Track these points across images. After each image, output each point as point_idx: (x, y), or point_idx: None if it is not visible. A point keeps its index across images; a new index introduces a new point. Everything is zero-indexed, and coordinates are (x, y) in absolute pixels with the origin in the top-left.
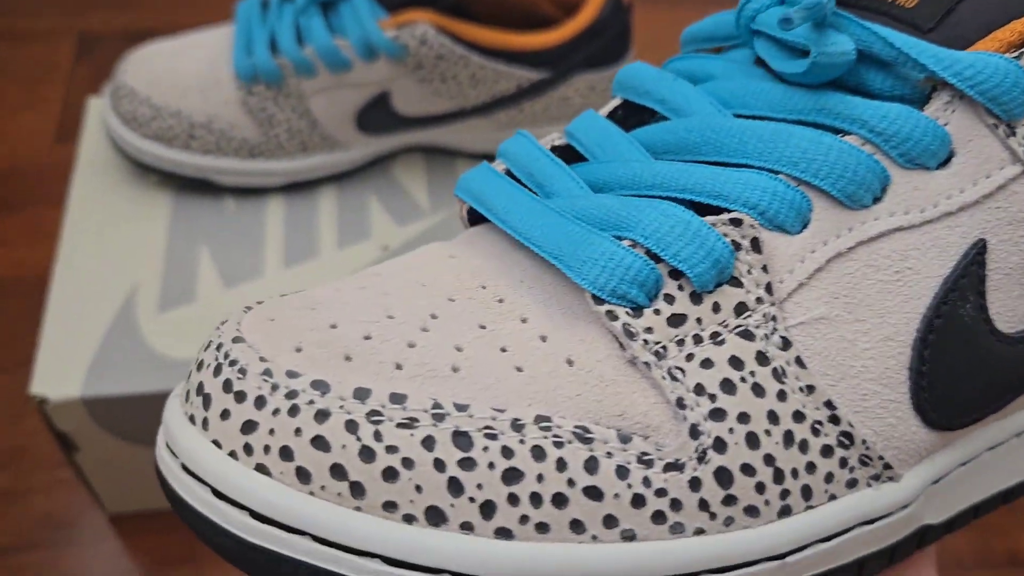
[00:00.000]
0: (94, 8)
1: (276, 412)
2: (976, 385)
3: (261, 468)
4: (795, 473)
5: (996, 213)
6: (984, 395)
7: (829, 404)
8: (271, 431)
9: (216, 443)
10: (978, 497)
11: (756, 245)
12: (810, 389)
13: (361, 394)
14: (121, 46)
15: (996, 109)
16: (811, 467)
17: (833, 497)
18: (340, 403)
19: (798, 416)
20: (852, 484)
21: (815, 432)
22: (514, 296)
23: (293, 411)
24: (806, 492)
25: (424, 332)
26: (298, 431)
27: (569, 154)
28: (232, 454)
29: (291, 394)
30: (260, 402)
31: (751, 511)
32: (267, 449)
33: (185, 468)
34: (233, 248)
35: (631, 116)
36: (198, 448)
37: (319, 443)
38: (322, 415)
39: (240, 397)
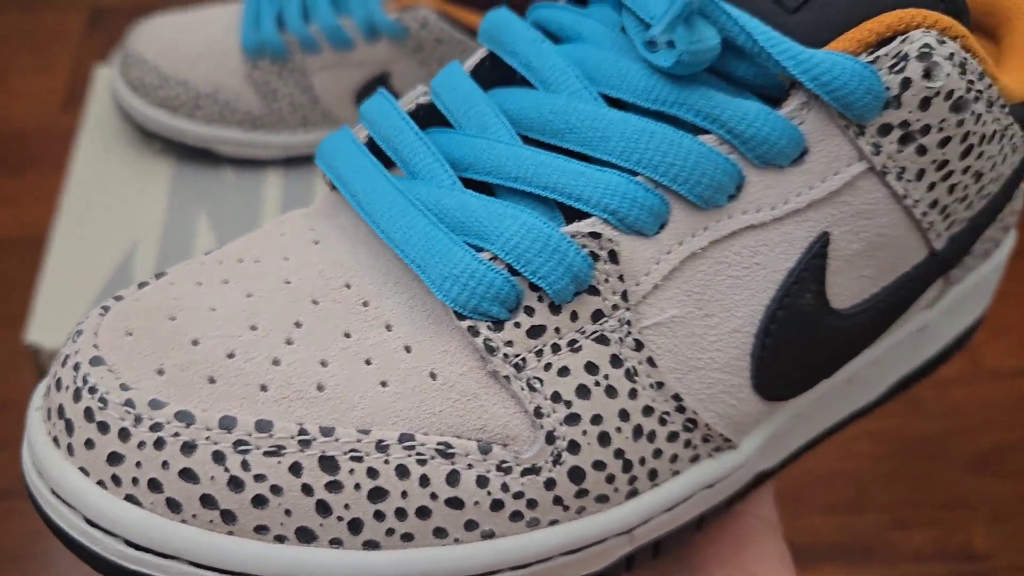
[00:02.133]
0: None
1: (142, 445)
2: (814, 361)
3: (131, 498)
4: (643, 461)
5: (841, 207)
6: (821, 367)
7: (676, 397)
8: (138, 464)
9: (83, 470)
10: (805, 439)
11: (614, 256)
12: (659, 385)
13: (227, 423)
14: (131, 18)
15: (847, 112)
16: (658, 453)
17: (677, 473)
18: (206, 434)
19: (647, 411)
20: (695, 458)
21: (662, 422)
22: (379, 299)
23: (159, 444)
24: (652, 474)
25: (288, 345)
26: (165, 464)
27: (434, 115)
28: (100, 483)
29: (155, 426)
30: (124, 434)
31: (601, 499)
32: (135, 481)
33: (54, 492)
34: (231, 215)
35: (498, 68)
36: (66, 475)
37: (187, 475)
38: (188, 447)
39: (103, 428)
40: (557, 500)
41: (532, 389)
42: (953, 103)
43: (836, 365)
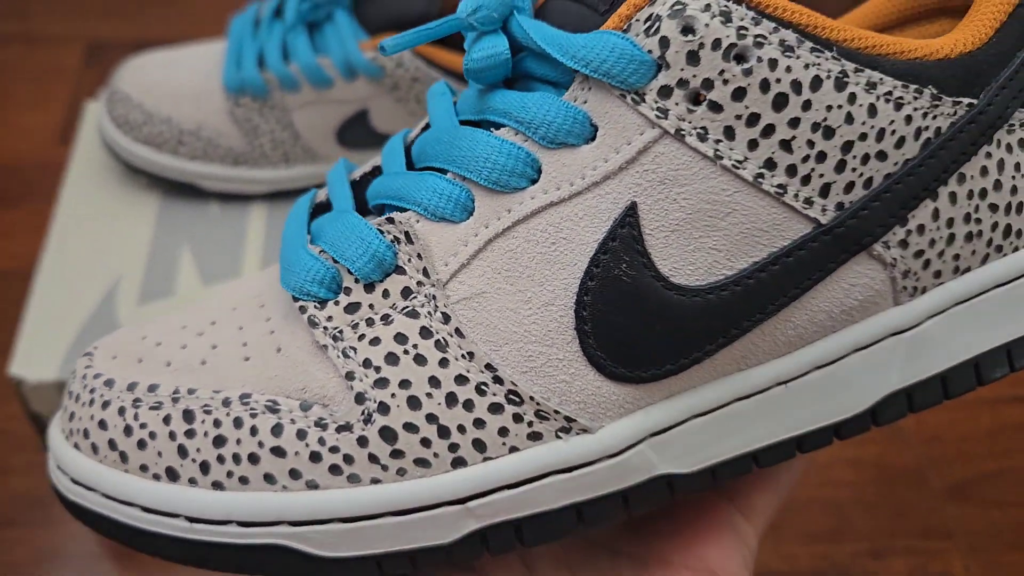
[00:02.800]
0: (105, 17)
1: (83, 404)
2: (654, 336)
3: (76, 446)
4: (462, 429)
5: (645, 176)
6: (668, 345)
7: (490, 367)
8: (79, 418)
9: (62, 431)
10: (732, 450)
11: (409, 237)
12: (471, 356)
13: (131, 386)
14: (128, 53)
15: (618, 83)
16: (480, 423)
17: (515, 449)
18: (118, 394)
19: (461, 379)
20: (536, 437)
21: (481, 392)
22: (272, 302)
23: (91, 403)
24: (479, 445)
25: (199, 336)
26: (91, 417)
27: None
28: (66, 438)
29: (92, 391)
30: (76, 398)
31: (421, 463)
32: (77, 431)
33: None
34: (214, 249)
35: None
36: (52, 435)
37: (102, 425)
38: (105, 404)
39: (71, 395)
40: (373, 458)
41: (346, 356)
42: (725, 52)
43: (695, 345)
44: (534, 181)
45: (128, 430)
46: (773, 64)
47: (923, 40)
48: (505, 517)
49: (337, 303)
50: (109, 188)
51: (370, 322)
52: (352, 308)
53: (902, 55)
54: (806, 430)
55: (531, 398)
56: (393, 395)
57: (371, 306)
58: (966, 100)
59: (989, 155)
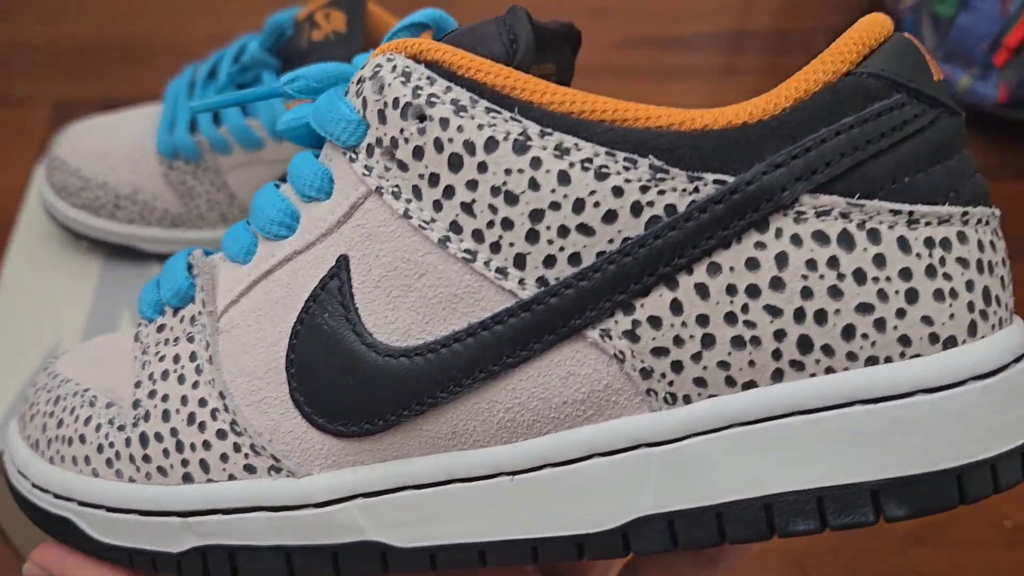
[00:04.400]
0: (72, 77)
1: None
2: (348, 390)
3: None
4: (193, 447)
5: (356, 231)
6: (361, 403)
7: (223, 394)
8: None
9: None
10: (447, 536)
11: (203, 275)
12: (214, 382)
13: (54, 375)
14: (93, 112)
15: (339, 142)
16: (207, 445)
17: (232, 477)
18: (45, 382)
19: (203, 402)
20: (251, 470)
21: (214, 416)
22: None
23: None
24: (204, 465)
25: (110, 347)
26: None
27: None
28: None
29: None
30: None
31: (161, 471)
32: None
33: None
34: None
35: None
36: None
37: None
38: (56, 400)
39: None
40: (132, 458)
41: (142, 368)
42: (403, 110)
43: (391, 407)
44: (293, 231)
45: (60, 424)
46: (444, 123)
47: (685, 110)
48: (219, 541)
49: (152, 322)
50: (53, 251)
51: (167, 341)
52: (161, 328)
53: (629, 122)
54: (540, 536)
55: (246, 430)
56: (155, 406)
57: (171, 328)
58: (712, 176)
59: (762, 245)
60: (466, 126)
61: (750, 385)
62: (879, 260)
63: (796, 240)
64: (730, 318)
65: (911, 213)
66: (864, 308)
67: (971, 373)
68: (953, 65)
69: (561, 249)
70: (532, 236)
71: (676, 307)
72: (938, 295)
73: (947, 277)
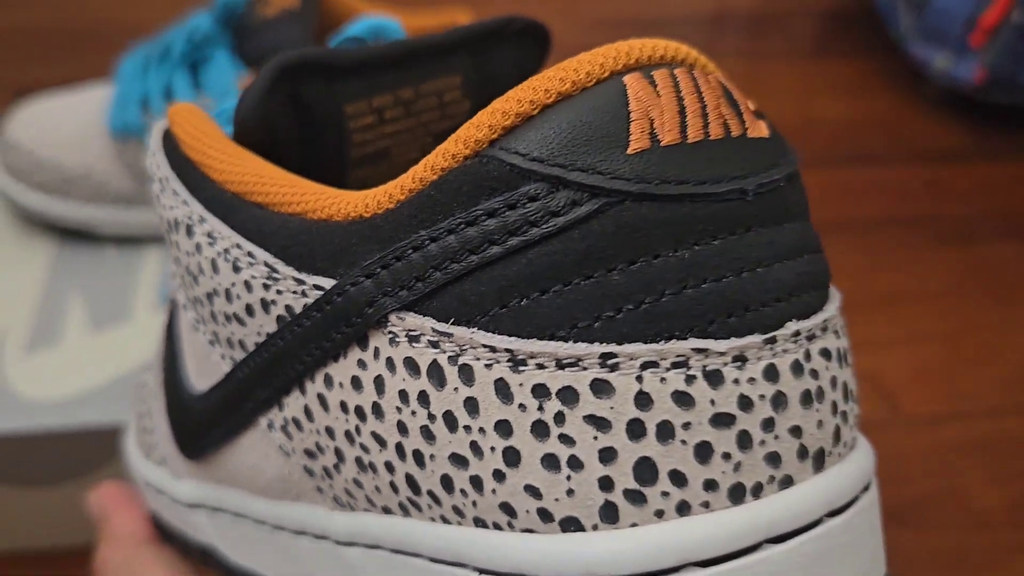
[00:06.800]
0: (33, 64)
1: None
2: (178, 416)
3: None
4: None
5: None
6: (183, 432)
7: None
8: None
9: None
10: (265, 570)
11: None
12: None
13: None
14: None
15: None
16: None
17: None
18: None
19: None
20: (163, 462)
21: None
22: None
23: None
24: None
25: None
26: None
27: None
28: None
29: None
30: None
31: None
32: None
33: None
34: (106, 294)
35: None
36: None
37: None
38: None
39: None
40: None
41: None
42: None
43: (193, 439)
44: None
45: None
46: (156, 200)
47: (339, 192)
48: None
49: None
50: (6, 235)
51: None
52: None
53: (276, 206)
54: None
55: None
56: None
57: None
58: (312, 280)
59: (363, 364)
60: (165, 203)
61: (388, 511)
62: (471, 405)
63: (391, 365)
64: (349, 438)
65: (510, 351)
66: (458, 460)
67: None
68: (929, 46)
69: (232, 333)
70: (213, 318)
71: (308, 413)
72: (549, 462)
73: (566, 440)
